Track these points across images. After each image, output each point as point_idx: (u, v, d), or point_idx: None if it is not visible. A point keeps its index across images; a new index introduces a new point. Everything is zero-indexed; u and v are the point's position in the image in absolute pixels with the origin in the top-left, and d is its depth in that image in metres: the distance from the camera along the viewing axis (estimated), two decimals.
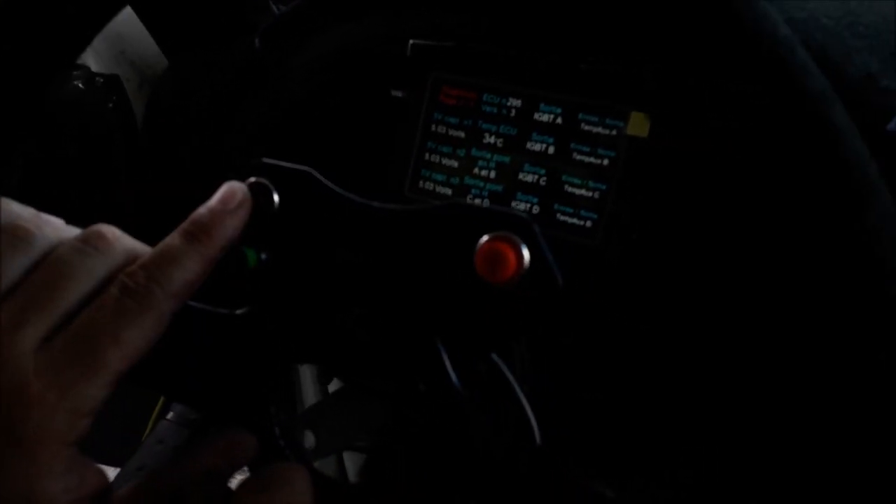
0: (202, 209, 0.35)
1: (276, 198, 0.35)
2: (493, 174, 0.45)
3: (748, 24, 0.20)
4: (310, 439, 0.37)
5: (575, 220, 0.43)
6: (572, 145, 0.43)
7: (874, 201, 0.20)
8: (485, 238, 0.30)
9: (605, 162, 0.42)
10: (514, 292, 0.30)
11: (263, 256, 0.35)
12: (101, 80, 0.82)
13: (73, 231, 0.34)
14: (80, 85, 0.82)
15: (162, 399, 0.74)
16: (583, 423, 0.40)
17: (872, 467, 0.27)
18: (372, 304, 0.33)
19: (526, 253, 0.29)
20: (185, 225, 0.34)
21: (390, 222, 0.32)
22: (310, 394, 0.57)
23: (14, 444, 0.29)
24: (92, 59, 0.83)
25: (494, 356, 0.34)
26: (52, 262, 0.32)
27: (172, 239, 0.34)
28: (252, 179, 0.35)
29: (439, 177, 0.46)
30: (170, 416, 0.71)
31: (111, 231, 0.34)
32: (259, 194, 0.35)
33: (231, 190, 0.35)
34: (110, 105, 0.82)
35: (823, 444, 0.28)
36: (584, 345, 0.41)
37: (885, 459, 0.27)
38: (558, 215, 0.43)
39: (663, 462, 0.37)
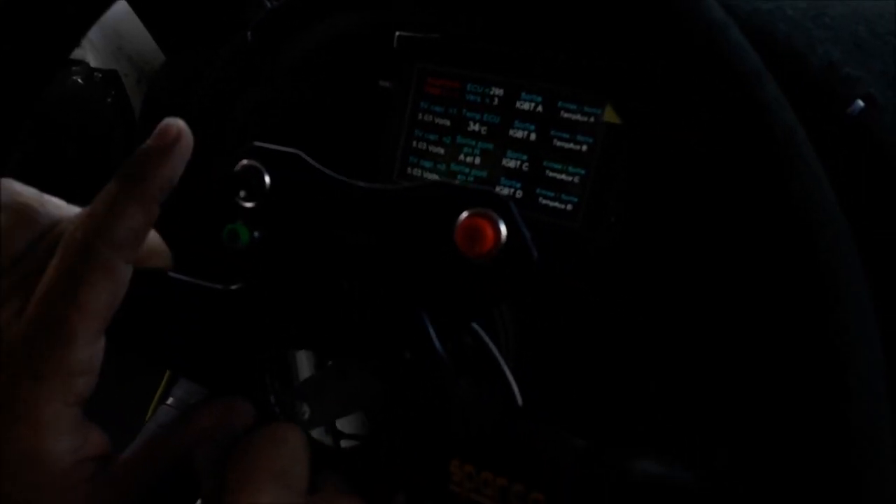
0: (138, 150, 0.33)
1: (267, 179, 0.37)
2: (477, 160, 0.47)
3: (679, 8, 0.22)
4: (304, 410, 0.38)
5: (556, 204, 0.45)
6: (553, 132, 0.45)
7: (801, 168, 0.22)
8: (464, 214, 0.32)
9: (584, 148, 0.44)
10: (492, 265, 0.31)
11: (256, 235, 0.37)
12: (100, 75, 0.84)
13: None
14: (80, 80, 0.84)
15: (161, 387, 0.76)
16: (563, 392, 0.41)
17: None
18: (359, 278, 0.35)
19: (503, 228, 0.31)
20: (121, 169, 0.33)
21: (376, 201, 0.34)
22: (305, 373, 0.58)
23: (16, 409, 0.31)
24: (90, 54, 0.84)
25: (476, 327, 0.36)
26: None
27: (109, 186, 0.33)
28: (244, 162, 0.37)
29: (427, 163, 0.48)
30: (169, 401, 0.73)
31: (30, 194, 0.34)
32: (251, 176, 0.37)
33: (165, 126, 0.33)
34: (109, 100, 0.84)
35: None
36: (567, 321, 0.43)
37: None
38: (540, 199, 0.45)
39: (640, 425, 0.39)
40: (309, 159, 0.36)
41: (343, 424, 0.41)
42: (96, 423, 0.34)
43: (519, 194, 0.46)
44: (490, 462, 0.29)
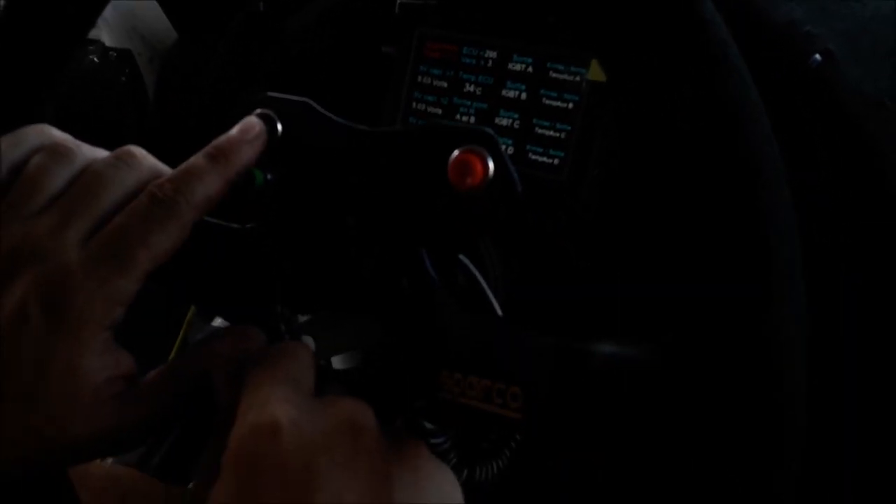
0: (223, 137, 0.39)
1: (279, 126, 0.40)
2: (472, 119, 0.51)
3: None
4: (310, 343, 0.42)
5: (545, 159, 0.49)
6: (542, 91, 0.48)
7: (730, 71, 0.25)
8: (456, 152, 0.35)
9: (570, 105, 0.47)
10: (481, 196, 0.35)
11: (269, 177, 0.41)
12: (115, 54, 0.87)
13: (105, 152, 0.39)
14: (96, 59, 0.88)
15: (180, 337, 0.80)
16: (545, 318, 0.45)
17: None
18: (362, 215, 0.38)
19: (491, 163, 0.35)
20: (208, 148, 0.39)
21: (378, 142, 0.38)
22: None
23: (61, 325, 0.35)
24: (106, 34, 0.88)
25: (465, 260, 0.40)
26: (89, 174, 0.37)
27: (197, 159, 0.39)
28: (258, 110, 0.41)
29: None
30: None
31: (139, 150, 0.39)
32: (265, 123, 0.40)
33: (250, 122, 0.40)
34: (123, 78, 0.87)
35: None
36: (554, 263, 0.47)
37: None
38: (530, 154, 0.49)
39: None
40: (317, 106, 0.40)
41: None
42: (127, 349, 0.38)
43: (511, 150, 0.50)
44: (474, 367, 0.33)
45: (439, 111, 0.51)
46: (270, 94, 0.40)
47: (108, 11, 0.83)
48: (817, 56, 0.40)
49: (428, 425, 0.43)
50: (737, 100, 0.26)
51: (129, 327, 0.39)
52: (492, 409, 0.31)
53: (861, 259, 0.40)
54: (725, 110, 0.25)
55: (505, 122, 0.50)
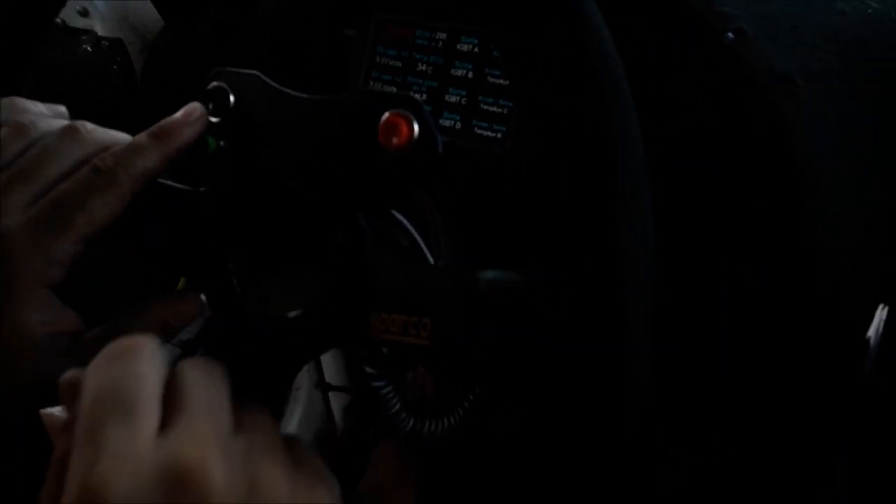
0: (167, 119, 0.44)
1: (231, 97, 0.44)
2: (424, 97, 0.54)
3: None
4: (263, 299, 0.45)
5: (489, 133, 0.52)
6: (487, 70, 0.51)
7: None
8: (386, 114, 0.39)
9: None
10: (407, 156, 0.38)
11: (222, 144, 0.44)
12: (107, 43, 0.91)
13: (61, 122, 0.43)
14: (88, 48, 0.91)
15: None
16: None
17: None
18: (304, 175, 0.42)
19: (416, 126, 0.38)
20: (153, 128, 0.43)
21: (318, 109, 0.41)
22: None
23: (6, 285, 0.38)
24: (98, 24, 0.92)
25: (401, 216, 0.43)
26: (38, 147, 0.41)
27: (140, 137, 0.43)
28: (213, 83, 0.44)
29: None
30: None
31: (85, 125, 0.43)
32: (218, 94, 0.44)
33: (193, 107, 0.44)
34: (115, 66, 0.91)
35: None
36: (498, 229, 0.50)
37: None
38: (476, 129, 0.52)
39: None
40: (266, 78, 0.43)
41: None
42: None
43: (458, 126, 0.53)
44: (395, 305, 0.36)
45: (394, 89, 0.55)
46: (223, 68, 0.44)
47: (100, 4, 0.87)
48: (730, 34, 0.43)
49: (369, 370, 0.46)
50: (593, 58, 0.29)
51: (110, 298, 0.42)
52: (410, 340, 0.35)
53: (768, 235, 0.43)
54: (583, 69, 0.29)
55: (454, 98, 0.53)
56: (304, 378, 0.62)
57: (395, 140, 0.38)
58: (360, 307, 0.38)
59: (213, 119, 0.44)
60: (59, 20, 0.81)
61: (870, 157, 0.44)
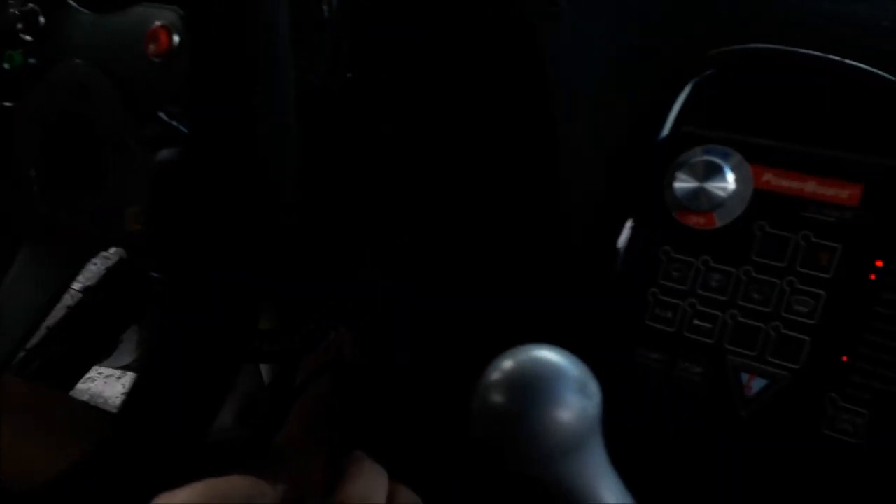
0: None
1: (41, 18, 0.47)
2: None
3: None
4: None
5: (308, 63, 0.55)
6: None
7: None
8: (153, 25, 0.42)
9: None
10: (169, 63, 0.42)
11: (31, 61, 0.48)
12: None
13: None
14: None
15: None
16: None
17: None
18: (89, 87, 0.45)
19: (176, 36, 0.42)
20: None
21: (100, 24, 0.45)
22: None
23: None
24: None
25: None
26: None
27: None
28: (29, 6, 0.48)
29: None
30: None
31: None
32: (29, 15, 0.48)
33: None
34: None
35: None
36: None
37: None
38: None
39: None
40: (71, 1, 0.47)
41: None
42: None
43: None
44: None
45: None
46: None
47: None
48: None
49: None
50: None
51: None
52: None
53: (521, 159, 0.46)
54: None
55: None
56: None
57: (156, 48, 0.42)
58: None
59: (26, 38, 0.48)
60: None
61: (628, 77, 0.46)
